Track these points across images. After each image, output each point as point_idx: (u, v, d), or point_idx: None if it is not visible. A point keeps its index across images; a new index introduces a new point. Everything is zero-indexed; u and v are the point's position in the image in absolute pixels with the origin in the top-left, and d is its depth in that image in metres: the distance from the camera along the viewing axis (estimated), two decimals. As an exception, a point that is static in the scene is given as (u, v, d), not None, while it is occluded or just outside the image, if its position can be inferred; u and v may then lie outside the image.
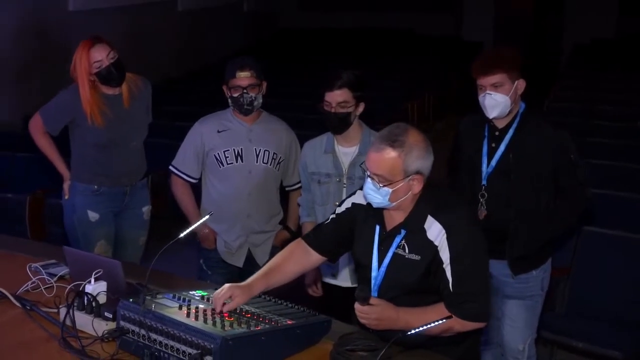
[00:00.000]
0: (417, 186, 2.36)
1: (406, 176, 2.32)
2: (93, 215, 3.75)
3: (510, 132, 3.13)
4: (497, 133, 3.16)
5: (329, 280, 3.43)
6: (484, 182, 3.16)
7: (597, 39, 12.43)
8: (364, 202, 2.49)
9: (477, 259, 2.37)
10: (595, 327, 3.71)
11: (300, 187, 3.60)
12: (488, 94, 3.06)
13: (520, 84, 3.10)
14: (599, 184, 4.57)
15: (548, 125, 3.18)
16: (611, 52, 11.40)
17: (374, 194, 2.36)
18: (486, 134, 3.18)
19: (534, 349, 3.35)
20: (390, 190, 2.33)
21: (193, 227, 2.63)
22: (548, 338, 3.78)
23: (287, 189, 3.74)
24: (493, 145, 3.16)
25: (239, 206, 3.56)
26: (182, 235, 2.53)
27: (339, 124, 3.27)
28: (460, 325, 2.33)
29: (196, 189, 3.72)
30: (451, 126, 3.50)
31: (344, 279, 3.37)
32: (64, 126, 3.75)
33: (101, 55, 3.57)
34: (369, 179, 2.36)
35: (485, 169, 3.16)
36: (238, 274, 3.51)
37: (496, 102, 3.05)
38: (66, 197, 3.81)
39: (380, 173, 2.32)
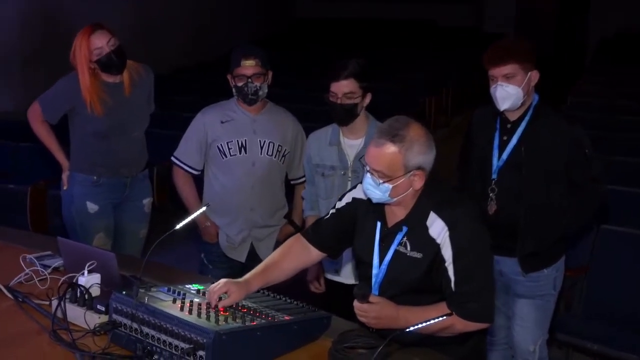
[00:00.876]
0: (418, 182, 2.28)
1: (407, 172, 2.25)
2: (92, 207, 3.68)
3: (523, 124, 3.03)
4: (509, 125, 3.06)
5: (332, 277, 3.36)
6: (494, 176, 3.06)
7: (623, 33, 12.26)
8: (364, 197, 2.41)
9: (481, 256, 2.28)
10: (612, 329, 3.59)
11: (306, 181, 3.51)
12: (499, 85, 2.96)
13: (534, 75, 2.99)
14: (620, 181, 4.45)
15: (562, 118, 3.08)
16: (638, 46, 11.21)
17: (374, 190, 2.29)
18: (498, 126, 3.09)
19: (546, 351, 3.25)
20: (391, 186, 2.26)
21: (189, 218, 2.56)
22: (563, 340, 3.67)
23: (292, 182, 3.66)
24: (505, 138, 3.06)
25: (242, 199, 3.48)
26: (178, 226, 2.45)
27: (344, 116, 3.18)
28: (462, 325, 2.25)
29: (198, 180, 3.63)
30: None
31: (347, 276, 3.28)
32: (63, 114, 3.68)
33: (101, 42, 3.51)
34: (368, 174, 2.29)
35: (496, 163, 3.06)
36: (240, 269, 3.41)
37: (508, 93, 2.95)
38: (65, 187, 3.75)
39: (379, 169, 2.25)
